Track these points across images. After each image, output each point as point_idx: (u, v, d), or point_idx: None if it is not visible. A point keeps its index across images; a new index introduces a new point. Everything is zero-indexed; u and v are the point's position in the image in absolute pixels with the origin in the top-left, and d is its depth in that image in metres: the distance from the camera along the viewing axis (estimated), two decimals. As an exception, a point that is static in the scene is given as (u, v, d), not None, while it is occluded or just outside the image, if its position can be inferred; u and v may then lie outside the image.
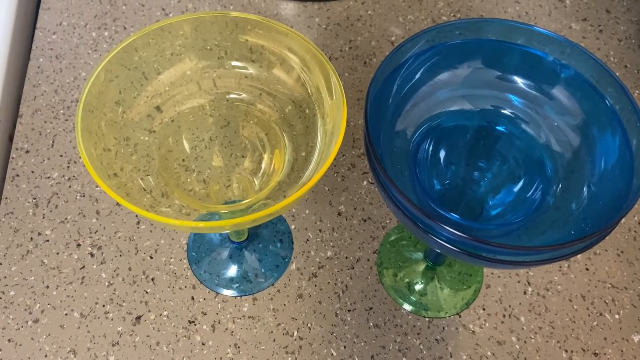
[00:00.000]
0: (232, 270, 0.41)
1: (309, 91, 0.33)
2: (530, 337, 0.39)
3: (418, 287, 0.41)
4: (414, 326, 0.39)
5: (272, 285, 0.41)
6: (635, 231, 0.43)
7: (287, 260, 0.42)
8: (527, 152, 0.32)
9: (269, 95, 0.34)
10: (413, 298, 0.40)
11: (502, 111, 0.32)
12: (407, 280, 0.41)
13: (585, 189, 0.29)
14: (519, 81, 0.32)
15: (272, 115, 0.34)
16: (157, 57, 0.33)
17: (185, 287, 0.40)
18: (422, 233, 0.26)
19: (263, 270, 0.41)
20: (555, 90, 0.31)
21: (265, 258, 0.42)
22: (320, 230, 0.43)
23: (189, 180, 0.34)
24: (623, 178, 0.27)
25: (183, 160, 0.34)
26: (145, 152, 0.33)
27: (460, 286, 0.41)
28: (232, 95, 0.35)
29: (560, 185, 0.30)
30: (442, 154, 0.33)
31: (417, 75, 0.32)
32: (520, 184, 0.32)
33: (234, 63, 0.35)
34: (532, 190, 0.31)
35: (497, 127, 0.33)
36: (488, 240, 0.24)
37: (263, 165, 0.34)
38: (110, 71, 0.31)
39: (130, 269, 0.41)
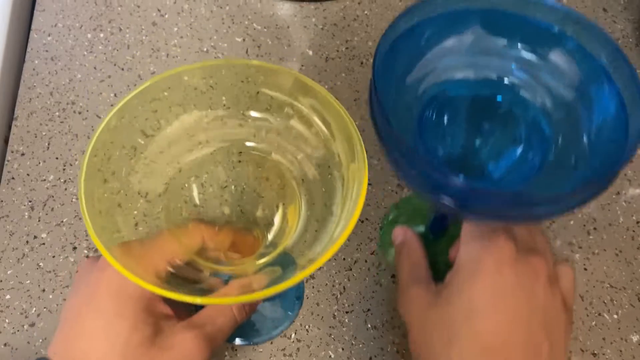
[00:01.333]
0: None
1: (330, 149, 0.31)
2: (529, 338, 0.39)
3: None
4: (412, 327, 0.39)
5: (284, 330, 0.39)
6: (633, 231, 0.43)
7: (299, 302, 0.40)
8: (526, 117, 0.33)
9: (286, 148, 0.33)
10: None
11: (505, 80, 0.33)
12: None
13: (584, 140, 0.30)
14: (523, 50, 0.33)
15: (288, 169, 0.33)
16: (170, 106, 0.32)
17: (182, 289, 0.40)
18: (434, 191, 0.27)
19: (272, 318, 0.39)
20: (555, 56, 0.32)
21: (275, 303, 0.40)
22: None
23: (191, 226, 0.33)
24: (618, 132, 0.28)
25: (194, 206, 0.33)
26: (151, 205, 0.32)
27: None
28: (248, 144, 0.33)
29: (560, 142, 0.31)
30: (445, 121, 0.33)
31: (424, 42, 0.32)
32: (521, 147, 0.32)
33: (253, 113, 0.33)
34: (532, 153, 0.32)
35: (500, 95, 0.33)
36: (498, 190, 0.24)
37: (277, 219, 0.33)
38: (123, 117, 0.30)
39: (126, 272, 0.40)
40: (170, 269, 0.28)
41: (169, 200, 0.32)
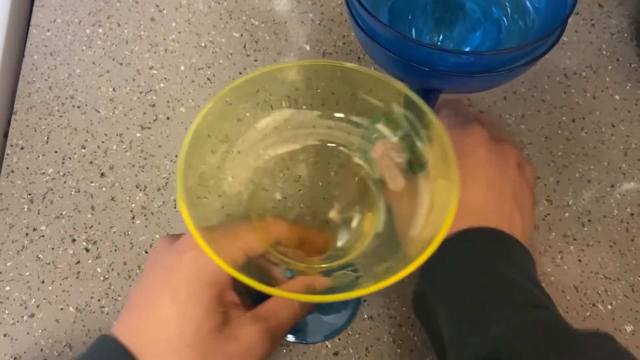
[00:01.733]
0: None
1: (418, 159, 0.30)
2: (524, 328, 0.39)
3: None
4: (408, 318, 0.39)
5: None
6: (627, 222, 0.44)
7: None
8: (478, 7, 0.35)
9: (370, 152, 0.32)
10: None
11: None
12: None
13: (530, 9, 0.33)
14: None
15: (369, 174, 0.32)
16: (267, 100, 0.31)
17: (181, 281, 0.40)
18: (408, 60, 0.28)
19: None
20: None
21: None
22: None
23: (268, 220, 0.32)
24: None
25: (273, 200, 0.33)
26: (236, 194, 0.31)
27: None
28: (333, 145, 0.33)
29: (509, 18, 0.34)
30: (410, 17, 0.35)
31: None
32: (479, 32, 0.35)
33: (341, 115, 0.32)
34: (489, 33, 0.34)
35: None
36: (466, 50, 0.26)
37: (353, 223, 0.32)
38: (211, 114, 0.29)
39: (125, 264, 0.41)
40: (245, 258, 0.28)
41: (251, 191, 0.32)
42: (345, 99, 0.31)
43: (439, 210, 0.26)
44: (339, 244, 0.32)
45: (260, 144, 0.32)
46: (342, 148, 0.33)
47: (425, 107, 0.27)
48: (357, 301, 0.40)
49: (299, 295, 0.23)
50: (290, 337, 0.38)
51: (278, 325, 0.31)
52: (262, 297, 0.32)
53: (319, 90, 0.32)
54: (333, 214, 0.33)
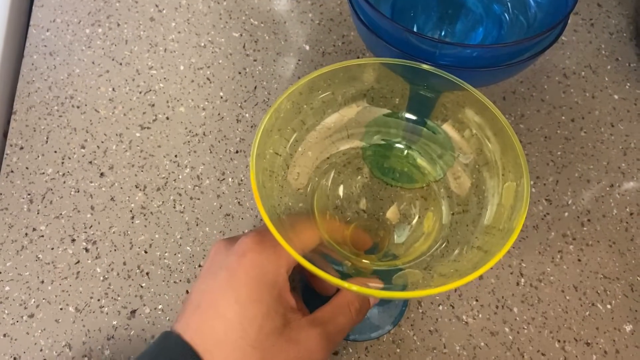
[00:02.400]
0: None
1: (484, 154, 0.29)
2: (523, 328, 0.39)
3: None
4: (408, 317, 0.39)
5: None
6: (627, 222, 0.44)
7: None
8: (480, 4, 0.35)
9: (435, 152, 0.32)
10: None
11: None
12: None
13: (530, 2, 0.32)
14: None
15: (432, 173, 0.32)
16: (329, 99, 0.31)
17: (180, 281, 0.40)
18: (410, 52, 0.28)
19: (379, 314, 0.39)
20: None
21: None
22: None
23: (329, 213, 0.32)
24: None
25: (336, 202, 0.33)
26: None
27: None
28: (398, 145, 0.33)
29: (510, 14, 0.33)
30: (411, 20, 0.35)
31: None
32: (481, 28, 0.34)
33: (406, 115, 0.32)
34: (490, 30, 0.34)
35: None
36: (469, 44, 0.26)
37: (413, 223, 0.32)
38: (281, 109, 0.29)
39: (125, 264, 0.41)
40: (307, 253, 0.28)
41: (314, 186, 0.32)
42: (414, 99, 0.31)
43: (508, 210, 0.26)
44: (397, 242, 0.31)
45: (327, 140, 0.32)
46: (405, 147, 0.33)
47: (497, 112, 0.27)
48: (405, 303, 0.40)
49: (372, 290, 0.23)
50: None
51: (336, 331, 0.31)
52: (310, 303, 0.32)
53: (388, 89, 0.31)
54: (392, 213, 0.33)
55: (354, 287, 0.23)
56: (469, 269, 0.23)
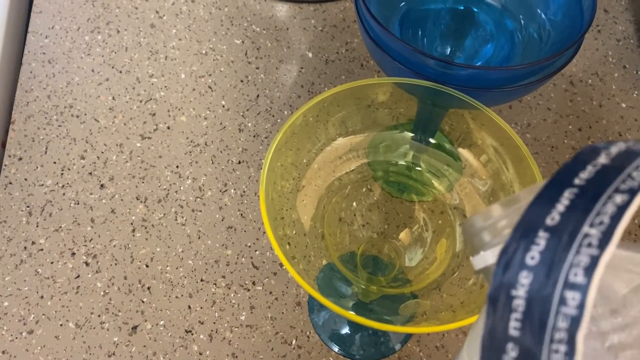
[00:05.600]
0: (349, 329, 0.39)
1: (500, 181, 0.28)
2: (531, 343, 0.39)
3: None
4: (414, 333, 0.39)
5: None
6: (635, 234, 0.43)
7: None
8: (491, 18, 0.34)
9: (441, 165, 0.31)
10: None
11: None
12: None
13: (546, 23, 0.32)
14: None
15: (447, 198, 0.31)
16: (349, 119, 0.31)
17: (182, 295, 0.40)
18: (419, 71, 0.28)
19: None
20: None
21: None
22: (315, 237, 0.42)
23: (339, 232, 0.31)
24: (573, 8, 0.30)
25: (345, 216, 0.32)
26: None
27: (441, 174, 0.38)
28: (411, 166, 0.32)
29: (523, 31, 0.33)
30: (420, 34, 0.35)
31: None
32: (492, 44, 0.34)
33: (413, 130, 0.32)
34: (502, 46, 0.33)
35: (471, 5, 0.35)
36: (481, 65, 0.25)
37: (425, 248, 0.30)
38: (296, 128, 0.28)
39: (125, 278, 0.40)
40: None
41: (324, 208, 0.31)
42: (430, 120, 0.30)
43: None
44: (408, 265, 0.30)
45: (337, 161, 0.31)
46: (422, 170, 0.32)
47: (518, 139, 0.26)
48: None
49: (372, 322, 0.22)
50: (336, 349, 0.38)
51: None
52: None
53: (401, 110, 0.31)
54: (404, 236, 0.32)
55: (360, 319, 0.22)
56: (482, 303, 0.22)
